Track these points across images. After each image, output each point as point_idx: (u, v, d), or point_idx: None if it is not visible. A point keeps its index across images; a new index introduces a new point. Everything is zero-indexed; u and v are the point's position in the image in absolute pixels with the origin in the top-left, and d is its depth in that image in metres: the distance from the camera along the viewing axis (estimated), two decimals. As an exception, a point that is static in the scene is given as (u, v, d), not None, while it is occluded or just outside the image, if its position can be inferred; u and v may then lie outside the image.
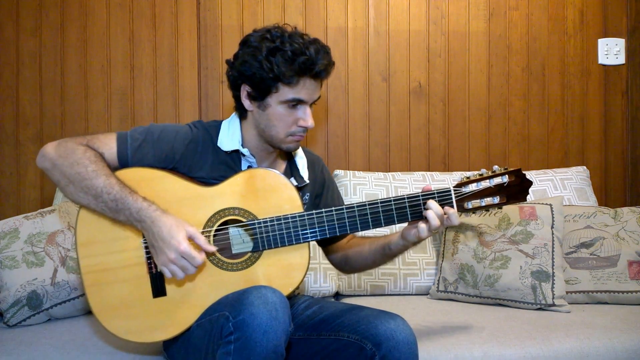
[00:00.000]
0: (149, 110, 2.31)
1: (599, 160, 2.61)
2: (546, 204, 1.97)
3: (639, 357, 1.56)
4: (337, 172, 2.25)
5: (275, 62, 1.34)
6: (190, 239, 1.28)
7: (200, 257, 1.27)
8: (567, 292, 1.89)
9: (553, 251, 1.88)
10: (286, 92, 1.37)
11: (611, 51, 2.58)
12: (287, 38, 1.35)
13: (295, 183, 1.50)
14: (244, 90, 1.41)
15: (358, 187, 2.17)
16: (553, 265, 1.86)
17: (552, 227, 1.92)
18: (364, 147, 2.44)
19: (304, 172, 1.54)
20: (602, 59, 2.59)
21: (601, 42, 2.58)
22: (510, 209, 1.98)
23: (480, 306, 1.90)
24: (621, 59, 2.59)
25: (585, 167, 2.37)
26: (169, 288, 1.36)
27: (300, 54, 1.33)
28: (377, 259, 1.50)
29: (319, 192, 1.60)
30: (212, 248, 1.31)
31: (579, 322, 1.70)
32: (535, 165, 2.54)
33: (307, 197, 1.55)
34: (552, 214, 1.94)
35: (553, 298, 1.82)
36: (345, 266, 1.60)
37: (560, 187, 2.24)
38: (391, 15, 2.45)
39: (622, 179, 2.64)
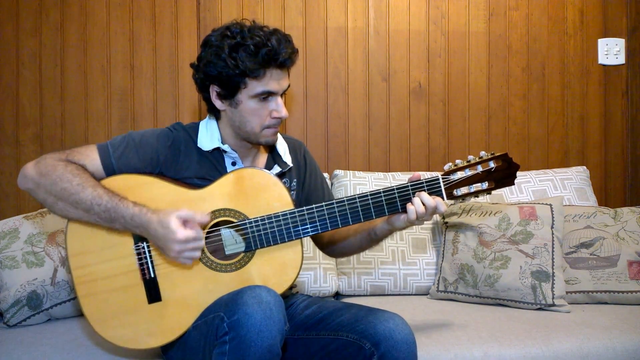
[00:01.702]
0: (149, 110, 2.31)
1: (599, 160, 2.61)
2: (546, 204, 1.97)
3: (639, 357, 1.56)
4: (337, 172, 2.25)
5: (239, 57, 1.34)
6: (185, 221, 1.28)
7: (199, 231, 1.28)
8: (567, 292, 1.89)
9: (553, 251, 1.88)
10: (255, 86, 1.37)
11: (611, 51, 2.58)
12: (247, 32, 1.36)
13: (280, 169, 1.50)
14: (213, 90, 1.41)
15: (358, 187, 2.17)
16: (553, 265, 1.86)
17: (552, 227, 1.92)
18: (364, 147, 2.44)
19: (287, 157, 1.54)
20: (602, 59, 2.59)
21: (601, 42, 2.58)
22: (510, 209, 1.98)
23: (480, 306, 1.90)
24: (621, 59, 2.59)
25: (585, 167, 2.37)
26: (164, 293, 1.36)
27: (262, 46, 1.33)
28: (363, 244, 1.54)
29: (303, 176, 1.60)
30: (206, 217, 1.31)
31: (579, 322, 1.69)
32: (535, 165, 2.54)
33: (294, 183, 1.56)
34: (552, 214, 1.94)
35: (553, 298, 1.82)
36: (332, 251, 1.64)
37: (560, 187, 2.24)
38: (391, 15, 2.45)
39: (622, 179, 2.63)
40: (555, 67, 2.57)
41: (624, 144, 2.63)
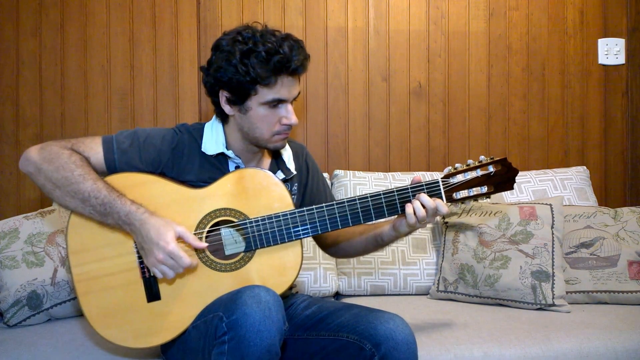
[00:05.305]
0: (149, 110, 2.31)
1: (599, 160, 2.61)
2: (546, 204, 1.97)
3: (639, 357, 1.56)
4: (337, 172, 2.25)
5: (251, 64, 1.32)
6: (180, 238, 1.28)
7: (187, 258, 1.26)
8: (567, 292, 1.89)
9: (553, 251, 1.88)
10: (265, 94, 1.35)
11: (611, 51, 2.58)
12: (259, 38, 1.33)
13: (283, 176, 1.50)
14: (223, 95, 1.40)
15: (358, 187, 2.17)
16: (553, 265, 1.86)
17: (552, 227, 1.92)
18: (364, 147, 2.44)
19: (290, 163, 1.54)
20: (602, 59, 2.59)
21: (601, 42, 2.58)
22: (510, 209, 1.98)
23: (480, 306, 1.90)
24: (621, 59, 2.59)
25: (585, 167, 2.37)
26: (163, 292, 1.36)
27: (274, 53, 1.32)
28: (368, 247, 1.54)
29: (305, 180, 1.60)
30: (202, 244, 1.31)
31: (579, 322, 1.70)
32: (535, 165, 2.54)
33: (295, 188, 1.56)
34: (552, 214, 1.94)
35: (553, 298, 1.82)
36: (334, 252, 1.64)
37: (560, 187, 2.24)
38: (391, 15, 2.45)
39: (622, 179, 2.64)
40: (555, 67, 2.57)
41: (624, 144, 2.63)
